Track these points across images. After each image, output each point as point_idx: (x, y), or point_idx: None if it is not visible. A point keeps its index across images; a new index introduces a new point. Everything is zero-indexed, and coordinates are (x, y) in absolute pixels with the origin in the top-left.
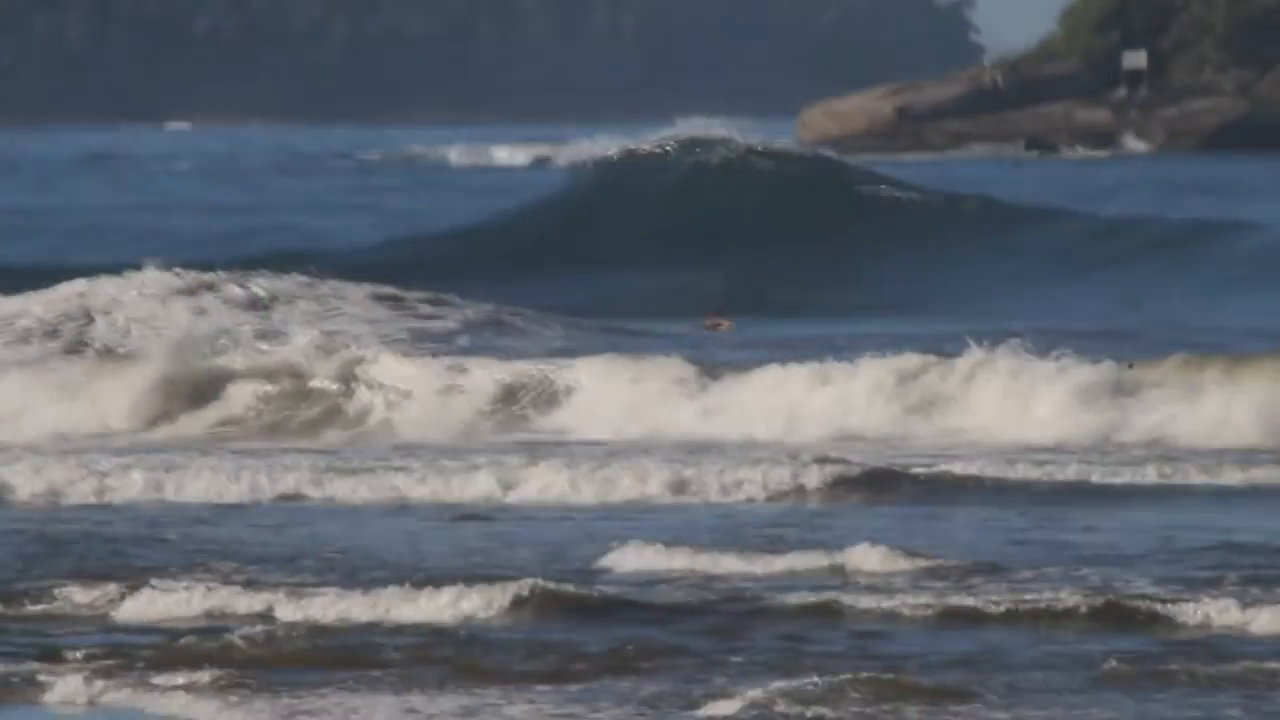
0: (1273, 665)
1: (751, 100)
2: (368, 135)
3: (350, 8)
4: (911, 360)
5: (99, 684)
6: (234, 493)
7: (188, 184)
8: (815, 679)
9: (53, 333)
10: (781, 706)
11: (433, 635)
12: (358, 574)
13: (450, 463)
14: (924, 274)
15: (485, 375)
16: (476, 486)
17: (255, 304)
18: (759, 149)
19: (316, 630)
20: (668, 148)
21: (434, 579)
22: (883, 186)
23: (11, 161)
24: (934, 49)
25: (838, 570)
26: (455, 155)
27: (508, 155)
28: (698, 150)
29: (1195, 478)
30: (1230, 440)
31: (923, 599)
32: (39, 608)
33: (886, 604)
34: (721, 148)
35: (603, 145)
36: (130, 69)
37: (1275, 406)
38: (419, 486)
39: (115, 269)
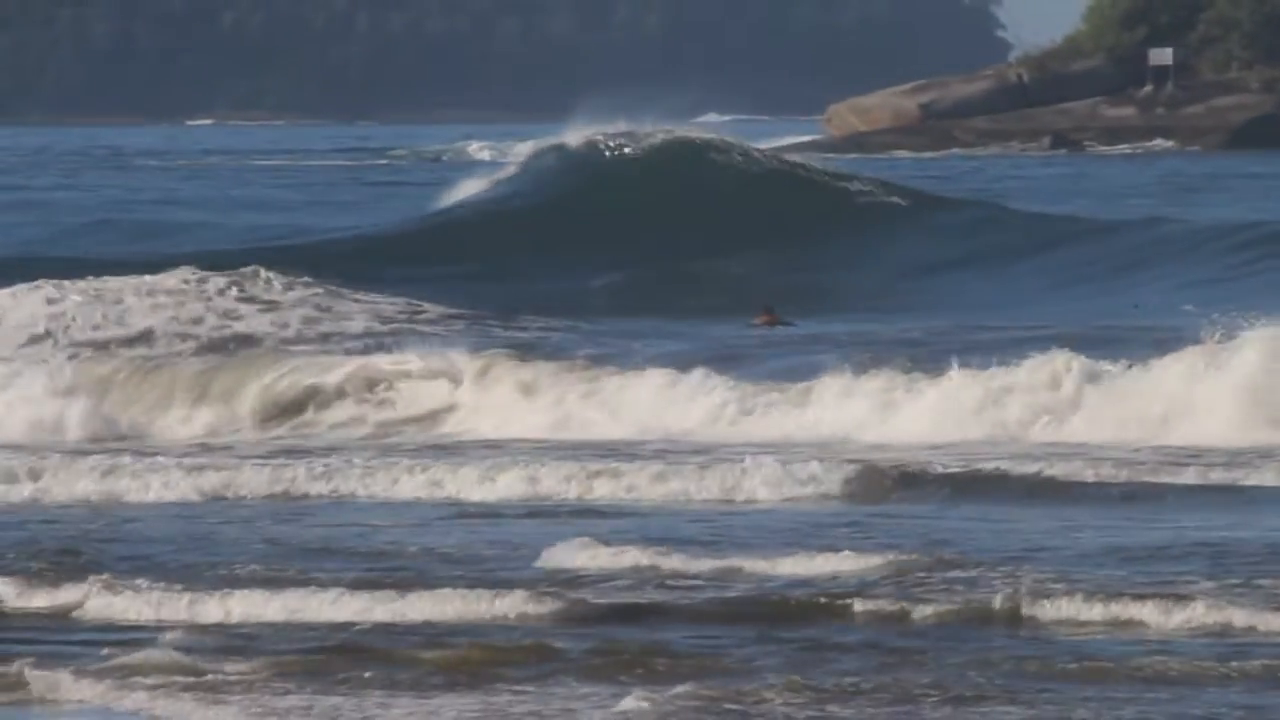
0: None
1: (777, 97)
2: (391, 132)
3: (373, 5)
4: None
5: (95, 685)
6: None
7: (204, 180)
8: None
9: None
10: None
11: (429, 634)
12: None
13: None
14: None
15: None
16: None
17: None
18: (682, 139)
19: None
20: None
21: (424, 579)
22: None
23: (29, 157)
24: (960, 46)
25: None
26: (479, 152)
27: (530, 151)
28: (618, 145)
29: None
30: None
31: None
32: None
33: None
34: (627, 140)
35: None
36: (154, 66)
37: None
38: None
39: (98, 265)
